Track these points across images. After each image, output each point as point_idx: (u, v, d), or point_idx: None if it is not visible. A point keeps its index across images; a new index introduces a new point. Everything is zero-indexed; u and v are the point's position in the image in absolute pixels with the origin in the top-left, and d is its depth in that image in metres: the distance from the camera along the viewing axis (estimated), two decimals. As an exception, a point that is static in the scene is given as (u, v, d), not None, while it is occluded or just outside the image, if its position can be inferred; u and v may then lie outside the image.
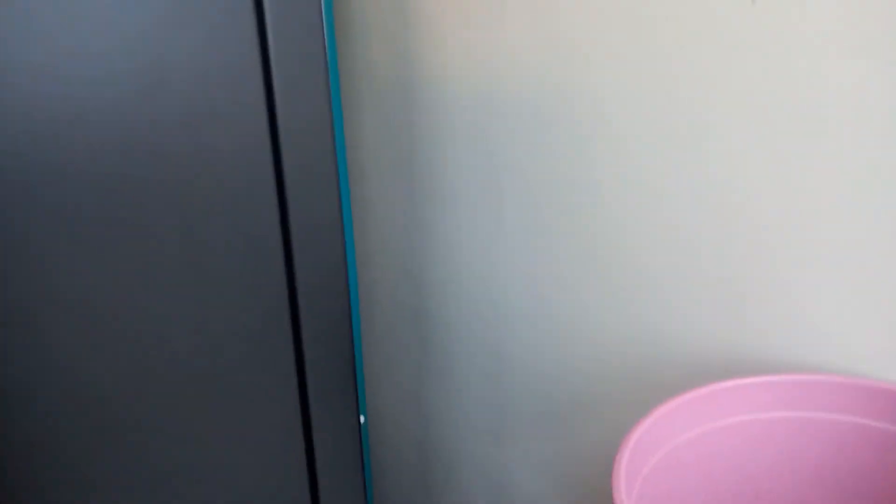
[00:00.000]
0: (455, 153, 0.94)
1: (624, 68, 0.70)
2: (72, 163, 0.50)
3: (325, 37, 0.56)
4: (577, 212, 0.80)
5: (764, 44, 0.59)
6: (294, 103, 0.56)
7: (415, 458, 1.20)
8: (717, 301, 0.68)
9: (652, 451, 0.51)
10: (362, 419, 1.24)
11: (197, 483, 0.59)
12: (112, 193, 0.52)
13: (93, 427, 0.54)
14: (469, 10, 0.87)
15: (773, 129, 0.61)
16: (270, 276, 0.59)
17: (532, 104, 0.81)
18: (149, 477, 0.57)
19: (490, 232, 0.92)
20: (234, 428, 0.60)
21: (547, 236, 0.84)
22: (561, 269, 0.84)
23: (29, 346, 0.51)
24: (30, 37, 0.47)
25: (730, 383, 0.56)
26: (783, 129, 0.60)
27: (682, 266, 0.70)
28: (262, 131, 0.56)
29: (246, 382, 0.60)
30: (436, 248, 1.02)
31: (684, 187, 0.68)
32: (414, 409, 1.16)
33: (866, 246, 0.58)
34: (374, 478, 1.35)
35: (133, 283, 0.54)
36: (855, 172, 0.57)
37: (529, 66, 0.80)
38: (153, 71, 0.51)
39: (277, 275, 0.59)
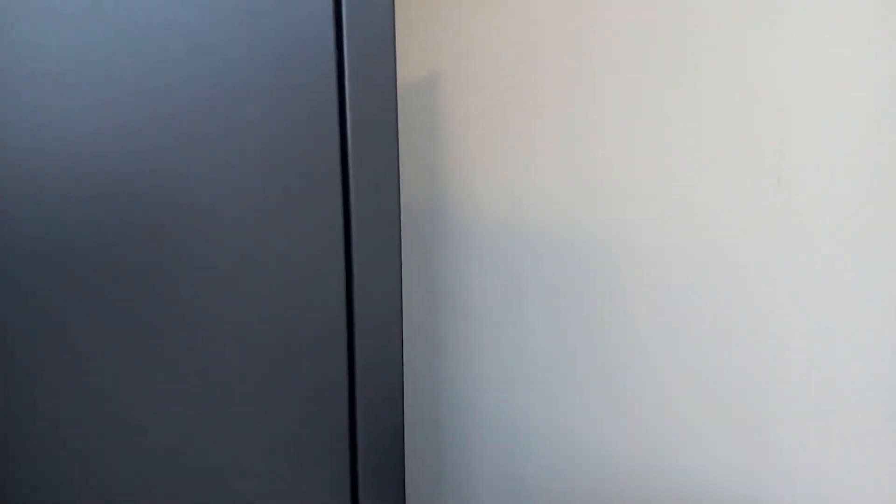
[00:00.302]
0: (480, 273, 0.97)
1: (655, 222, 0.74)
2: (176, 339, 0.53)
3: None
4: (604, 342, 0.82)
5: (788, 220, 0.63)
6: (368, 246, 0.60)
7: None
8: (740, 443, 0.70)
9: None
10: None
11: None
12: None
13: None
14: (497, 141, 0.91)
15: (797, 288, 0.64)
16: (333, 405, 0.61)
17: (559, 239, 0.85)
18: None
19: (512, 354, 0.94)
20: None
21: (571, 363, 0.86)
22: (584, 398, 0.85)
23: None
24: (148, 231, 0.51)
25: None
26: (807, 291, 0.63)
27: (708, 404, 0.72)
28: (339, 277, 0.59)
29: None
30: (455, 365, 1.04)
31: (715, 330, 0.71)
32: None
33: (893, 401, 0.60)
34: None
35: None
36: (877, 336, 0.59)
37: (559, 204, 0.84)
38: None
39: (340, 404, 0.62)
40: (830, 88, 0.59)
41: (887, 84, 0.56)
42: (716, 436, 0.72)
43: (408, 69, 1.06)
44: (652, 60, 0.72)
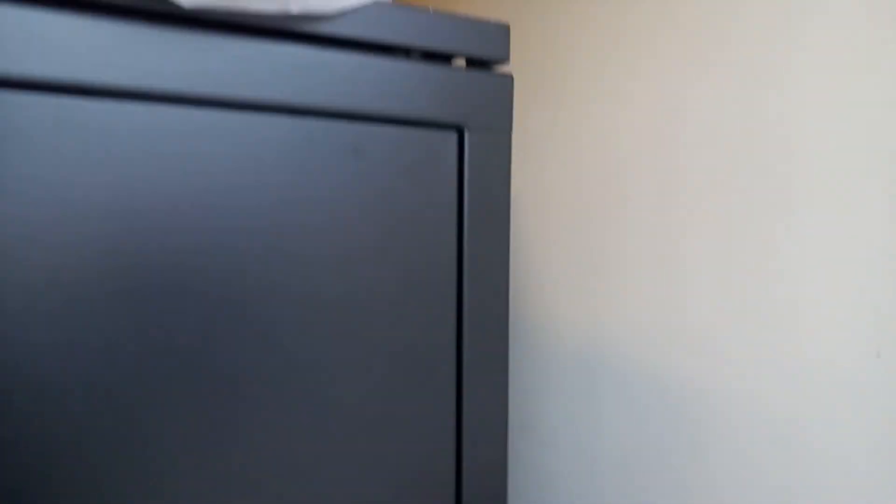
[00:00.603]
0: (558, 398, 0.96)
1: (751, 373, 0.73)
2: None
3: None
4: (682, 486, 0.80)
5: (886, 393, 0.63)
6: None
7: None
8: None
9: None
10: None
11: None
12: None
13: None
14: (579, 267, 0.92)
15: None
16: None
17: (645, 371, 0.84)
18: None
19: (587, 484, 0.92)
20: None
21: (644, 500, 0.84)
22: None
23: None
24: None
25: None
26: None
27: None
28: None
29: None
30: (528, 489, 1.01)
31: (809, 495, 0.69)
32: None
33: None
34: None
35: None
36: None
37: (646, 336, 0.83)
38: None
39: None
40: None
41: None
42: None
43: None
44: (749, 206, 0.73)
